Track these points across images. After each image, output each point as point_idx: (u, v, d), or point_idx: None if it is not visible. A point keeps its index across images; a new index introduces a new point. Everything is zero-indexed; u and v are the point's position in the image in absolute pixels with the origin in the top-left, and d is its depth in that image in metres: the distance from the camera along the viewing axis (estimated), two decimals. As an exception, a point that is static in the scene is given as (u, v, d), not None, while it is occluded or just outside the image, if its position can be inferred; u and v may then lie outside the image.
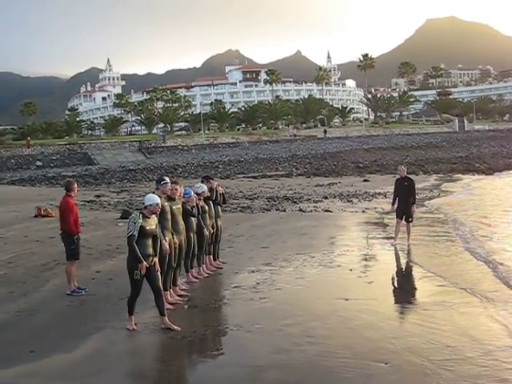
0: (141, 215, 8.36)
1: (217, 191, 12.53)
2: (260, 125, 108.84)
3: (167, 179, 9.92)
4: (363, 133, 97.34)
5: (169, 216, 9.59)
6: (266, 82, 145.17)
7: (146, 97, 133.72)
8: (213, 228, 12.17)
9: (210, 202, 12.12)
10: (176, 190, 10.02)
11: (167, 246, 9.39)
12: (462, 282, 11.07)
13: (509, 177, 37.22)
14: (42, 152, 65.80)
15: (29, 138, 75.25)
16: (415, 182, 15.69)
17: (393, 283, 11.76)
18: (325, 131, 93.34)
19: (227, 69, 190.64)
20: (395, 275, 12.29)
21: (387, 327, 8.52)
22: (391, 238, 15.43)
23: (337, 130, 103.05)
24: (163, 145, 77.42)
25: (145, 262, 8.25)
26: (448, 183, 34.00)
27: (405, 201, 15.13)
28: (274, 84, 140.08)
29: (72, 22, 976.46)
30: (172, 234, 9.73)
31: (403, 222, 15.17)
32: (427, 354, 7.28)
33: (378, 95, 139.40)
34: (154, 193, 9.36)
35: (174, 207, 9.83)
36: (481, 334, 8.00)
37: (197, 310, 9.68)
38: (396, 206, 15.40)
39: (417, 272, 12.13)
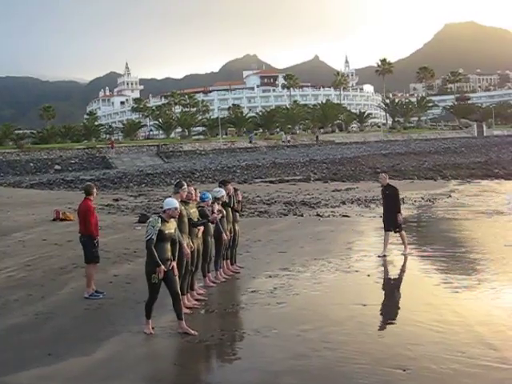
0: (159, 219, 8.39)
1: (233, 197, 12.51)
2: (277, 129, 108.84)
3: (185, 184, 9.95)
4: (381, 138, 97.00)
5: (186, 220, 9.61)
6: (283, 86, 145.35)
7: (164, 101, 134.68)
8: (230, 233, 12.16)
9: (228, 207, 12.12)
10: (192, 194, 10.06)
11: (188, 251, 9.41)
12: (480, 286, 10.99)
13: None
14: (61, 156, 66.24)
15: (113, 139, 75.87)
16: (398, 190, 14.72)
17: (410, 289, 11.65)
18: (316, 137, 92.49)
19: (245, 73, 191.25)
20: (413, 281, 12.19)
21: (405, 333, 8.46)
22: (409, 243, 15.00)
23: (354, 134, 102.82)
24: (251, 145, 76.62)
25: (163, 266, 8.27)
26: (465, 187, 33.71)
27: (388, 211, 14.55)
28: (291, 89, 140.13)
29: (89, 26, 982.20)
30: (189, 238, 9.76)
31: (392, 233, 14.49)
32: (446, 361, 7.21)
33: (396, 100, 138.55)
34: (171, 197, 9.39)
35: (190, 211, 9.86)
36: (500, 343, 7.89)
37: (214, 314, 9.70)
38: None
39: (434, 278, 12.01)
